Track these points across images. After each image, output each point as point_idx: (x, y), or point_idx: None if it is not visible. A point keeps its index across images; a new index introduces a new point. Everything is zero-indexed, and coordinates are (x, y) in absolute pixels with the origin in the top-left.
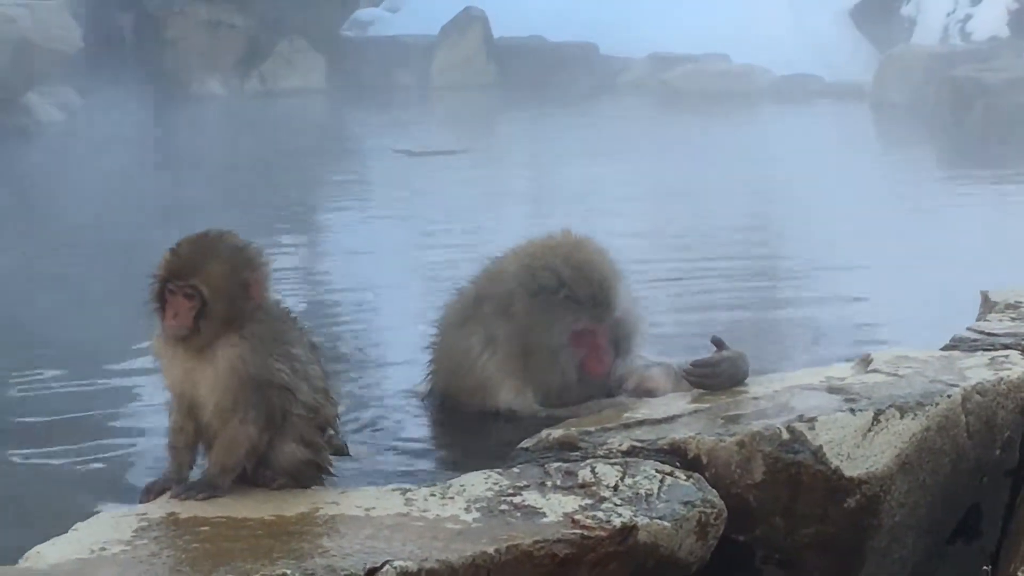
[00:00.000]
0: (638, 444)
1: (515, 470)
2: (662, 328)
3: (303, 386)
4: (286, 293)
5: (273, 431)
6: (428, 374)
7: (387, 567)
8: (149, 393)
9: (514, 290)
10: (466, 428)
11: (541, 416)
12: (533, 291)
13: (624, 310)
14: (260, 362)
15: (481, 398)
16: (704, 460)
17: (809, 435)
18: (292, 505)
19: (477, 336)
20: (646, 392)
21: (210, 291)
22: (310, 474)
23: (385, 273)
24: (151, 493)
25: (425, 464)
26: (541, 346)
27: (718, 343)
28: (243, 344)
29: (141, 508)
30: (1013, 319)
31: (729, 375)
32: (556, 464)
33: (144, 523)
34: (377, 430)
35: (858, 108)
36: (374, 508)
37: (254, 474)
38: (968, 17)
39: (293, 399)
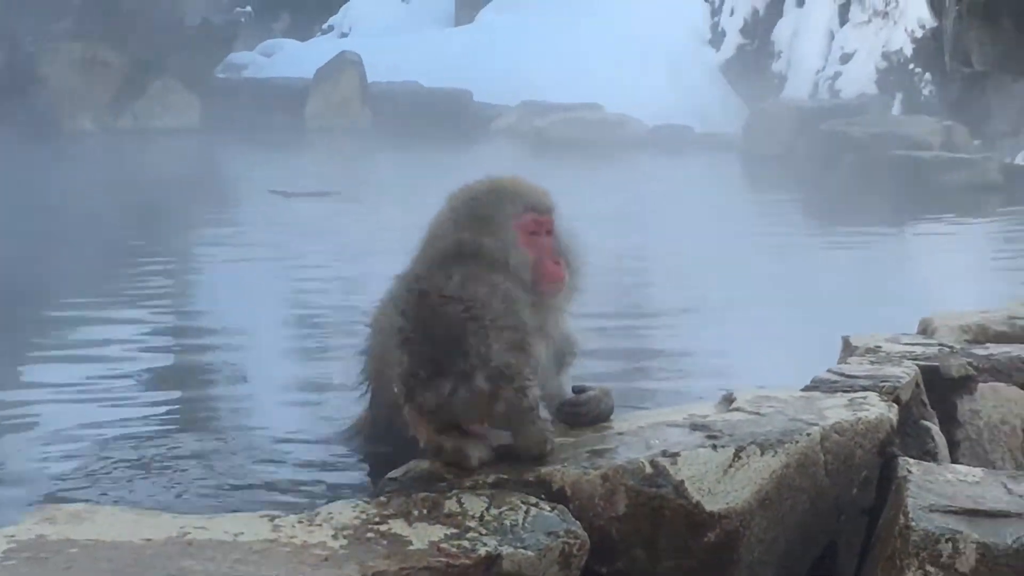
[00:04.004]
0: (504, 476)
1: (382, 499)
2: None
3: None
4: (157, 331)
5: None
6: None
7: None
8: None
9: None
10: None
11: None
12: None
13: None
14: None
15: None
16: (568, 492)
17: (671, 470)
18: (161, 529)
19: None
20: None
21: None
22: None
23: (256, 314)
24: None
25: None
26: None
27: (579, 390)
28: None
29: (9, 530)
30: (872, 362)
31: (595, 413)
32: (423, 494)
33: (12, 544)
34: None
35: (728, 159)
36: (242, 533)
37: None
38: (837, 75)
39: None
